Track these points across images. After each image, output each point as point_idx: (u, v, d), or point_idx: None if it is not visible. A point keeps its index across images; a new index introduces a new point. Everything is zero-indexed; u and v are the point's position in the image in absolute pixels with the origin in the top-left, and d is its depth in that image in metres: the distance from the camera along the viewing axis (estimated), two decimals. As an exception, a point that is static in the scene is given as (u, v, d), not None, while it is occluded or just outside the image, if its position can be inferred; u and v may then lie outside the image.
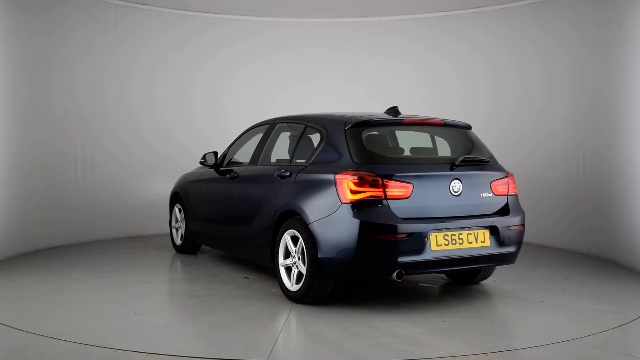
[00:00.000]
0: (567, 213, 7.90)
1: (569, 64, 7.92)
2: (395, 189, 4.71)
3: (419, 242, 4.67)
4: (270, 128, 6.19)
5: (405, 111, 8.44)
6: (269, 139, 6.09)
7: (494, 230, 5.01)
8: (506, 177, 5.30)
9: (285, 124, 6.03)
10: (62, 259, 6.98)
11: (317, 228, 4.80)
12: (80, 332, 4.19)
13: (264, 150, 6.08)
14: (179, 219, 7.47)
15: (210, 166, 6.73)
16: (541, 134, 8.32)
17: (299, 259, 5.03)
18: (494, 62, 8.88)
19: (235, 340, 4.08)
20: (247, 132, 6.66)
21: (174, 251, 7.61)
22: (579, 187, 7.73)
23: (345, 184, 4.70)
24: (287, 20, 9.44)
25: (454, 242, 4.82)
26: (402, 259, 4.64)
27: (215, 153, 6.73)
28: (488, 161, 5.33)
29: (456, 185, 4.92)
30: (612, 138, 7.09)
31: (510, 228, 5.14)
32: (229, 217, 6.30)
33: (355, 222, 4.60)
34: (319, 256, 4.78)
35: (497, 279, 6.06)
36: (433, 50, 9.34)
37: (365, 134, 5.10)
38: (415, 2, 8.97)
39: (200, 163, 6.79)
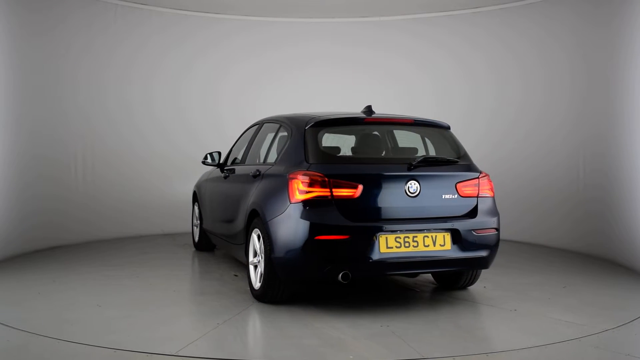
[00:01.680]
0: (569, 214, 7.79)
1: (569, 65, 7.87)
2: (342, 189, 4.64)
3: (365, 243, 4.57)
4: (258, 128, 6.29)
5: (403, 112, 8.16)
6: (255, 139, 6.19)
7: (455, 234, 4.80)
8: (477, 178, 5.06)
9: (269, 124, 6.10)
10: (74, 255, 7.25)
11: (271, 227, 4.83)
12: (29, 320, 4.46)
13: (250, 150, 6.19)
14: (197, 217, 7.72)
15: (216, 165, 6.90)
16: (542, 135, 8.26)
17: (262, 257, 5.07)
18: (495, 62, 8.85)
19: (162, 334, 4.20)
20: (246, 132, 6.79)
21: (194, 248, 7.87)
22: (580, 188, 7.65)
23: (295, 184, 4.70)
24: (286, 20, 9.48)
25: (407, 244, 4.67)
26: (347, 261, 4.58)
27: (219, 153, 6.88)
28: (455, 161, 5.11)
29: (412, 186, 4.76)
30: (613, 139, 7.00)
31: (477, 232, 4.90)
32: (222, 216, 6.46)
33: (300, 222, 4.59)
34: (271, 255, 4.81)
35: (490, 285, 5.80)
36: (433, 50, 9.33)
37: (323, 133, 5.06)
38: (415, 2, 8.91)
39: (202, 162, 6.96)
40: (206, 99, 9.51)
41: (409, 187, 4.75)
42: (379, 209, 4.72)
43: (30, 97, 7.47)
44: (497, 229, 5.06)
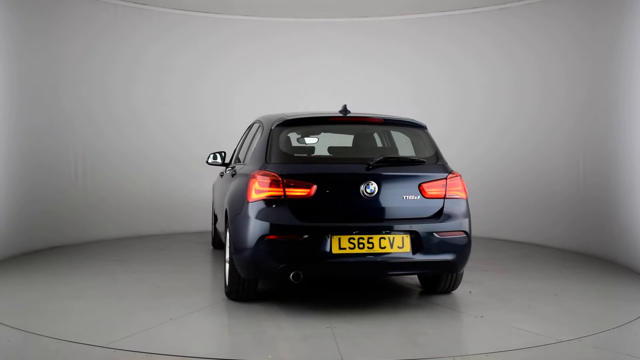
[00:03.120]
0: (568, 213, 7.81)
1: (568, 64, 7.91)
2: (295, 188, 4.62)
3: (317, 244, 4.53)
4: (249, 127, 6.37)
5: (402, 111, 8.13)
6: (246, 139, 6.28)
7: (415, 236, 4.66)
8: (444, 178, 4.88)
9: (255, 124, 6.16)
10: (78, 254, 7.36)
11: (232, 226, 4.89)
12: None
13: (241, 149, 6.28)
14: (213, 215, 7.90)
15: (221, 164, 7.01)
16: (541, 135, 8.32)
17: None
18: (494, 62, 8.94)
19: (104, 325, 4.35)
20: (245, 131, 6.88)
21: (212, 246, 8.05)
22: (579, 188, 7.68)
23: (252, 183, 4.74)
24: (287, 20, 9.51)
25: (361, 246, 4.58)
26: (298, 261, 4.55)
27: (224, 152, 6.97)
28: (422, 161, 4.95)
29: (370, 187, 4.67)
30: (612, 139, 7.01)
31: (440, 234, 4.72)
32: (217, 215, 6.59)
33: (253, 221, 4.62)
34: (232, 254, 4.87)
35: (478, 290, 5.58)
36: (434, 50, 9.44)
37: (286, 133, 5.07)
38: (416, 2, 9.00)
39: (207, 162, 7.09)
40: (212, 99, 9.51)
41: (365, 188, 4.66)
42: (333, 209, 4.66)
43: (31, 95, 7.52)
44: (466, 232, 4.86)
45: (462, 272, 5.32)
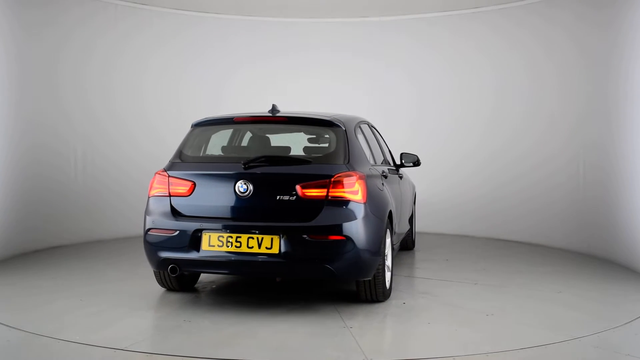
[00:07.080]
0: (568, 214, 7.88)
1: (568, 65, 7.96)
2: (176, 186, 4.87)
3: (189, 240, 4.69)
4: None
5: (398, 113, 8.96)
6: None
7: (285, 238, 4.52)
8: (327, 179, 4.62)
9: None
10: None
11: None
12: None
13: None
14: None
15: None
16: (541, 135, 8.37)
17: None
18: (495, 63, 8.96)
19: (40, 318, 4.71)
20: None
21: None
22: (579, 188, 7.73)
23: (151, 181, 5.09)
24: (288, 20, 9.39)
25: (229, 244, 4.62)
26: (171, 255, 4.76)
27: None
28: (308, 161, 4.78)
29: (243, 186, 4.67)
30: (613, 138, 7.03)
31: (314, 237, 4.52)
32: None
33: (146, 216, 4.99)
34: None
35: (416, 304, 5.11)
36: (434, 50, 9.42)
37: (196, 133, 5.27)
38: (416, 2, 8.97)
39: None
40: (211, 99, 9.35)
41: (238, 187, 4.68)
42: (207, 207, 4.79)
43: (30, 95, 7.47)
44: (349, 237, 4.53)
45: (383, 281, 4.96)
